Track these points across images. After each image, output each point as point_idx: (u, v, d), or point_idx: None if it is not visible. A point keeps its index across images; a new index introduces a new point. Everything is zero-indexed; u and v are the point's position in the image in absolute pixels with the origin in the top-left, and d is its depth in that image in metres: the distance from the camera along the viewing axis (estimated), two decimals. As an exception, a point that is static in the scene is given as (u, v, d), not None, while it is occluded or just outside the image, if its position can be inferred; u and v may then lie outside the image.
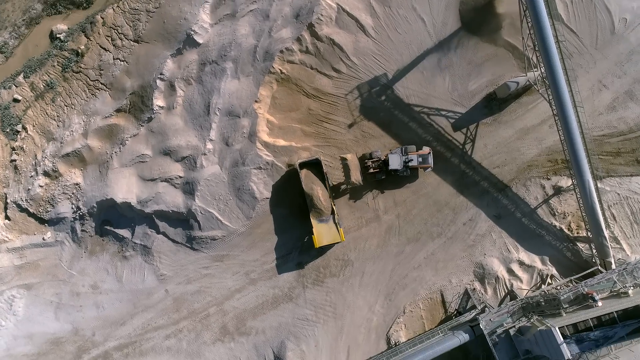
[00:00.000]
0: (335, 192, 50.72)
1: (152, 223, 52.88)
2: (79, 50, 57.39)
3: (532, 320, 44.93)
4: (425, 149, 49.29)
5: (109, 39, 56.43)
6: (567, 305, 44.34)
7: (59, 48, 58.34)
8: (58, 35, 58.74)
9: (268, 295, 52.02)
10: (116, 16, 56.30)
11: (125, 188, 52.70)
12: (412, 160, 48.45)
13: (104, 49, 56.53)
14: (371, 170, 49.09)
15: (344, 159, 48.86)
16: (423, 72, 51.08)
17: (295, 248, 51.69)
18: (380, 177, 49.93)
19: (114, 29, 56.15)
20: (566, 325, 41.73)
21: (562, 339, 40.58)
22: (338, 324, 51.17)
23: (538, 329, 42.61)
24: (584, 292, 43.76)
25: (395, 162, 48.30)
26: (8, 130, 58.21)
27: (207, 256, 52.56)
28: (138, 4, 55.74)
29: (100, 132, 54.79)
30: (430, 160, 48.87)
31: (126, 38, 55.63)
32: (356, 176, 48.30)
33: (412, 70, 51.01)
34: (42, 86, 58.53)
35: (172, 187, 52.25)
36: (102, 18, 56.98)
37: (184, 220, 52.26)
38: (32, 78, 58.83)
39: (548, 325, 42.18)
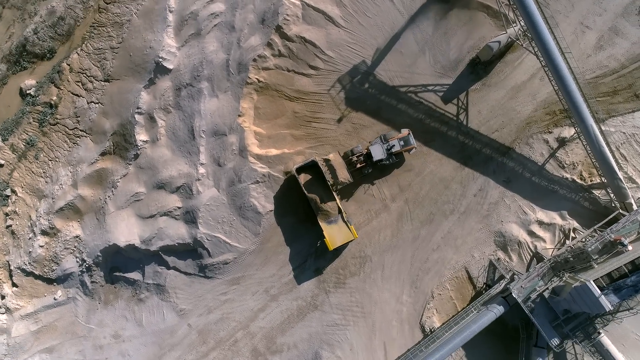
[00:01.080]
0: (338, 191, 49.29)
1: (161, 260, 51.51)
2: (52, 102, 56.24)
3: (564, 278, 43.68)
4: (404, 131, 47.88)
5: (80, 84, 55.20)
6: (596, 256, 43.25)
7: (31, 104, 57.14)
8: (28, 92, 57.50)
9: (292, 308, 50.66)
10: (82, 60, 55.07)
11: (126, 230, 51.37)
12: (394, 145, 47.01)
13: (76, 95, 55.30)
14: (358, 166, 47.54)
15: (327, 161, 47.46)
16: (402, 52, 49.73)
17: (310, 255, 50.35)
18: (367, 171, 48.50)
19: (83, 73, 54.89)
20: (601, 277, 40.55)
21: (599, 292, 39.48)
22: (369, 323, 49.84)
23: (572, 286, 41.38)
24: (611, 239, 42.59)
25: (378, 153, 46.84)
26: (-2, 197, 57.04)
27: (223, 282, 51.17)
28: (101, 43, 54.64)
29: (89, 179, 53.47)
30: (412, 140, 47.35)
31: (96, 79, 54.36)
32: (344, 174, 46.73)
33: (390, 51, 49.66)
34: (22, 146, 57.34)
35: (173, 219, 50.88)
36: (68, 65, 55.84)
37: (192, 251, 50.89)
38: (10, 140, 57.62)
39: (582, 280, 41.06)
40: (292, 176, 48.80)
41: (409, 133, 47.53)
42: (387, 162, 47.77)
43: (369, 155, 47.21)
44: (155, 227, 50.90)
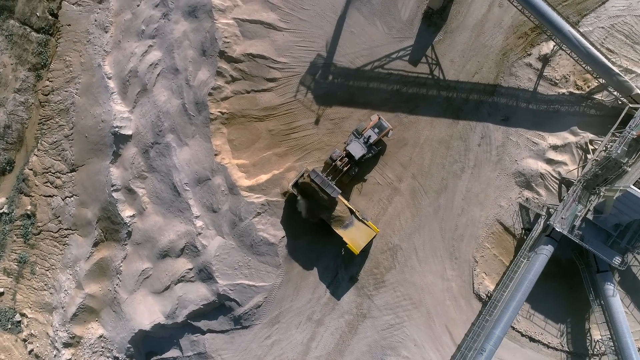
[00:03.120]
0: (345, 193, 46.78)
1: (192, 328, 48.79)
2: (29, 212, 54.52)
3: (602, 194, 41.10)
4: (374, 118, 45.57)
5: (49, 184, 53.40)
6: (625, 159, 40.66)
7: (9, 222, 55.30)
8: (1, 211, 55.15)
9: (342, 326, 47.95)
10: (42, 160, 53.32)
11: (146, 312, 48.87)
12: (370, 136, 44.55)
13: (49, 196, 53.48)
14: (345, 169, 44.75)
15: (294, 195, 45.07)
16: (352, 31, 47.39)
17: (339, 266, 47.83)
18: (354, 171, 45.84)
19: (47, 172, 53.07)
20: (639, 179, 37.94)
21: (644, 193, 36.83)
22: (423, 312, 47.13)
23: (614, 197, 38.87)
24: (634, 136, 39.95)
25: (357, 150, 44.26)
26: (10, 326, 55.00)
27: (263, 325, 48.50)
28: (54, 136, 52.95)
29: (91, 275, 51.30)
30: (385, 123, 45.09)
31: (62, 173, 52.43)
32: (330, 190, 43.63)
33: (342, 35, 47.35)
34: (15, 266, 55.42)
35: (189, 282, 48.28)
36: (31, 169, 54.19)
37: (220, 307, 48.25)
38: (1, 265, 55.50)
39: (621, 188, 38.61)
40: (291, 195, 46.27)
41: (380, 117, 45.26)
42: (370, 154, 45.44)
43: (349, 155, 44.61)
44: (175, 298, 48.20)
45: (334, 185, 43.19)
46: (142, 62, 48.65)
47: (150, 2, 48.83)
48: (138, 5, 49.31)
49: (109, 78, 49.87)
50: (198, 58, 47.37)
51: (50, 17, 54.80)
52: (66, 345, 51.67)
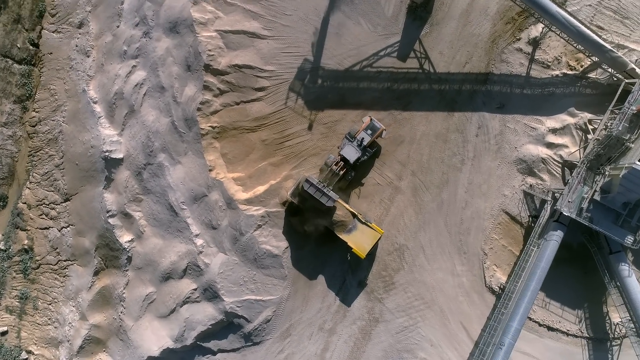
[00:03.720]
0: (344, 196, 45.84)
1: (203, 349, 48.01)
2: (26, 247, 53.69)
3: (607, 173, 40.02)
4: (366, 120, 44.67)
5: (44, 216, 52.74)
6: (628, 136, 39.72)
7: (7, 258, 54.60)
8: (-2, 247, 54.26)
9: (355, 333, 46.90)
10: (35, 192, 52.82)
11: (154, 338, 48.02)
12: (363, 138, 43.67)
13: (45, 228, 52.56)
14: (341, 172, 43.78)
15: (293, 203, 44.61)
16: (337, 33, 46.70)
17: (346, 272, 46.89)
18: (351, 175, 45.05)
19: (41, 204, 52.46)
20: (643, 154, 37.03)
21: (649, 168, 35.84)
22: (436, 311, 46.06)
23: (620, 175, 37.76)
24: (634, 112, 39.06)
25: (352, 153, 43.44)
26: (16, 365, 53.51)
27: (274, 340, 47.50)
28: (45, 166, 52.34)
29: (94, 305, 50.48)
30: (377, 124, 44.22)
31: (56, 204, 51.71)
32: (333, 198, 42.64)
33: (327, 37, 46.64)
34: (17, 303, 54.53)
35: (195, 303, 47.43)
36: (25, 203, 53.58)
37: (228, 325, 47.41)
38: (3, 303, 54.63)
39: (626, 165, 37.48)
40: (290, 203, 45.49)
41: (372, 119, 44.42)
42: (366, 156, 44.62)
43: (344, 159, 43.72)
44: (182, 320, 47.29)
45: (330, 194, 42.18)
46: (127, 83, 47.91)
47: (130, 22, 48.14)
48: (118, 27, 48.63)
49: (95, 102, 49.11)
50: (183, 74, 46.60)
51: (31, 47, 54.21)
52: (76, 379, 50.55)
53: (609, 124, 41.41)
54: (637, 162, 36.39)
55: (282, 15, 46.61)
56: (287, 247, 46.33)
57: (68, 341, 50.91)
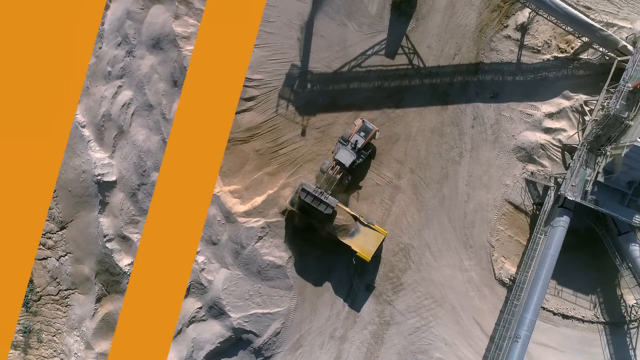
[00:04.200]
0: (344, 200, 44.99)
1: (213, 369, 46.50)
2: None
3: (608, 153, 39.38)
4: (358, 122, 43.90)
5: (41, 247, 51.20)
6: (626, 114, 39.13)
7: None
8: None
9: (367, 338, 45.89)
10: None
11: (162, 361, 46.36)
12: (357, 141, 42.81)
13: (43, 259, 51.16)
14: (339, 176, 42.90)
15: (291, 210, 43.90)
16: (323, 35, 45.91)
17: (352, 277, 45.91)
18: (348, 179, 44.22)
19: (37, 235, 50.64)
20: (644, 130, 36.43)
21: (652, 144, 35.24)
22: (447, 308, 45.19)
23: (622, 154, 37.21)
24: (630, 88, 38.47)
25: (346, 157, 42.52)
26: (25, 401, 52.11)
27: (285, 352, 46.38)
28: None
29: (99, 332, 48.94)
30: (370, 125, 43.41)
31: (52, 233, 50.45)
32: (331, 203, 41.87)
33: (313, 41, 45.80)
34: (20, 337, 52.93)
35: (201, 322, 46.12)
36: None
37: (237, 342, 46.08)
38: (6, 338, 52.89)
39: (627, 143, 36.98)
40: (290, 212, 44.58)
41: (364, 120, 43.63)
42: (361, 159, 43.82)
43: (339, 163, 42.85)
44: (189, 341, 45.96)
45: (328, 200, 41.29)
46: (114, 104, 46.94)
47: (112, 42, 47.32)
48: (100, 48, 47.71)
49: (83, 127, 48.04)
50: (170, 90, 45.73)
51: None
52: (86, 410, 49.22)
53: (605, 104, 40.85)
54: (639, 139, 35.82)
55: (266, 23, 45.78)
56: (290, 257, 45.35)
57: (75, 372, 49.80)
